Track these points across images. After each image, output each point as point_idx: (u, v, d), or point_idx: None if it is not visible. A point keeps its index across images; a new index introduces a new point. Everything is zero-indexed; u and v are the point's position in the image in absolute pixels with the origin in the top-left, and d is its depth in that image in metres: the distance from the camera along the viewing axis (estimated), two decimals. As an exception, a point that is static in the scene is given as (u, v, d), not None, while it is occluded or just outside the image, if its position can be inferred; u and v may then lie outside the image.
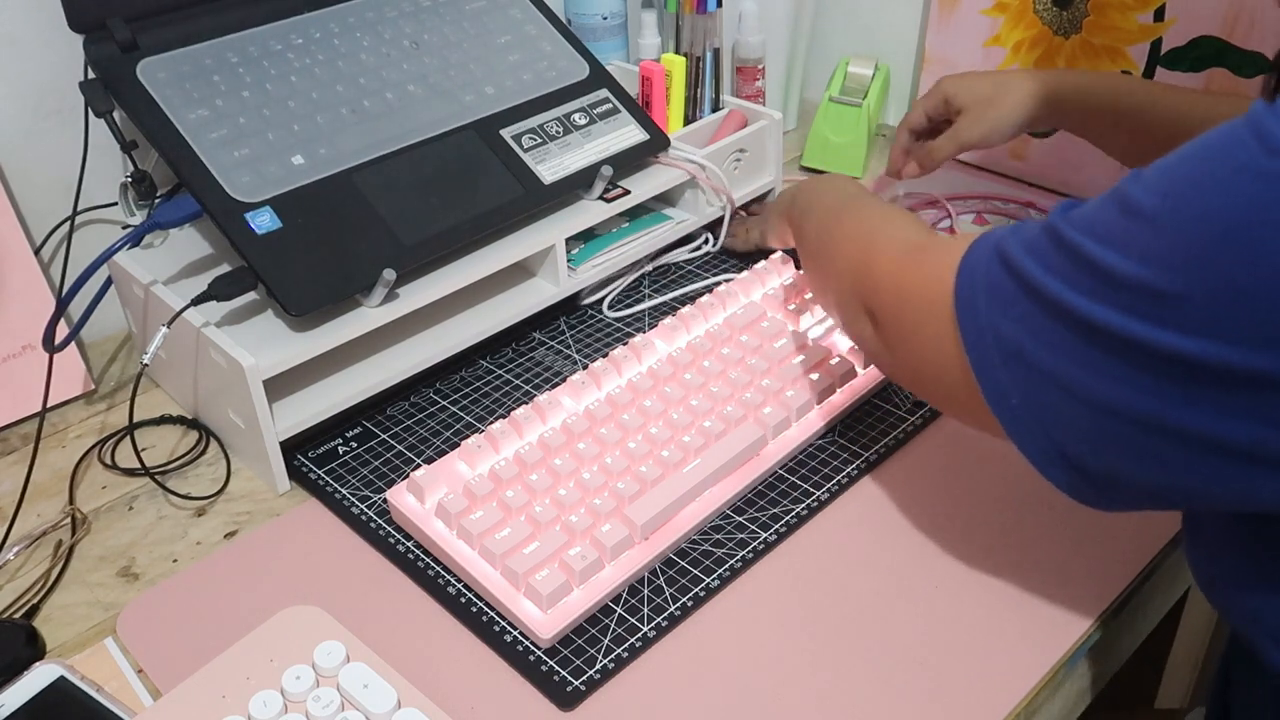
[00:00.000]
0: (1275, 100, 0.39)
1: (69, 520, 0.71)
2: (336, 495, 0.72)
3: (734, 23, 1.06)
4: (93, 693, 0.57)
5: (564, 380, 0.76)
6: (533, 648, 0.60)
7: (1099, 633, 0.61)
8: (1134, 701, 1.21)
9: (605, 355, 0.76)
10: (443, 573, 0.65)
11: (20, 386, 0.80)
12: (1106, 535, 0.65)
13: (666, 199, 0.94)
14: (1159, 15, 0.92)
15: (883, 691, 0.57)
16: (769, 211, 0.89)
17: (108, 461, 0.76)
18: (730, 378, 0.75)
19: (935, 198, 1.02)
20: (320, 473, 0.73)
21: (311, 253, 0.72)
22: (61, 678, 0.58)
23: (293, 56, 0.80)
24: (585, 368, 0.76)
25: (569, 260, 0.84)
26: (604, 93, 0.88)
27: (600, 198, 0.85)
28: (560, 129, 0.85)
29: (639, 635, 0.61)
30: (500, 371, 0.83)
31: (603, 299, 0.90)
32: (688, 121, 0.99)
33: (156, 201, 0.81)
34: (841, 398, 0.75)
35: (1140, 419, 0.43)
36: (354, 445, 0.76)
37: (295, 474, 0.73)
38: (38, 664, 0.59)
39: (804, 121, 1.18)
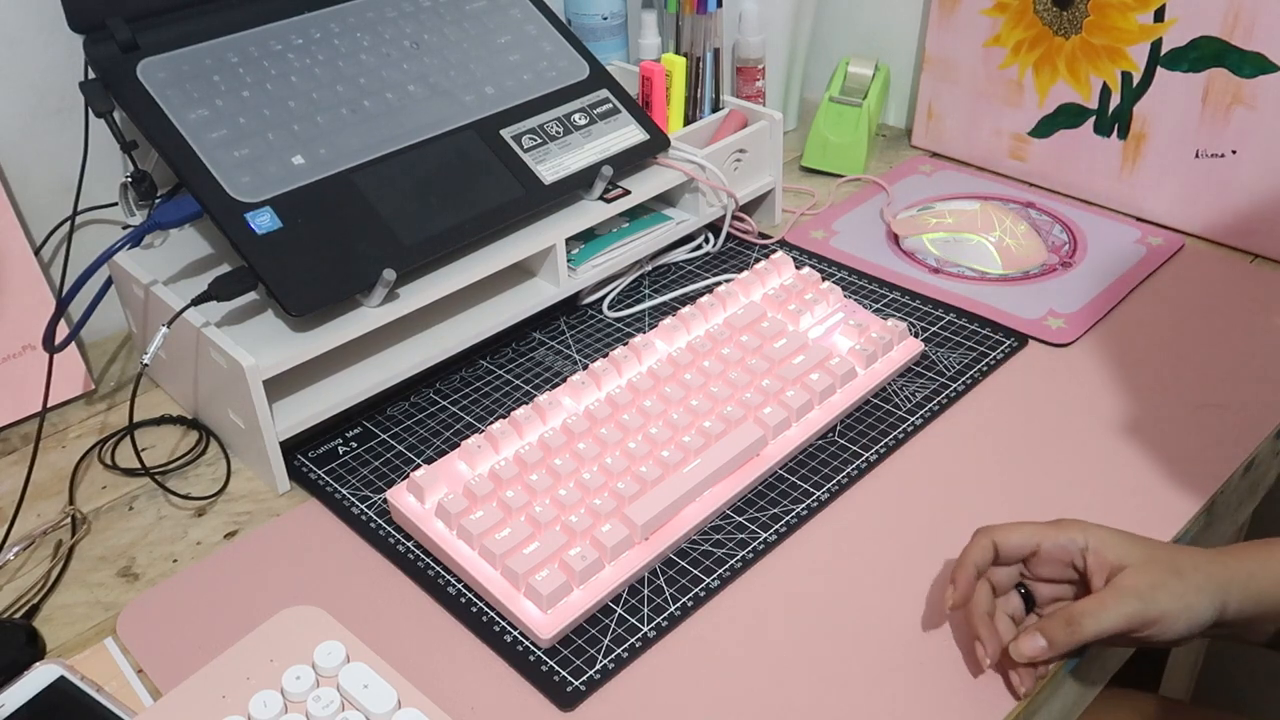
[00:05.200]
0: None
1: (69, 520, 0.71)
2: (336, 495, 0.72)
3: (734, 23, 1.06)
4: (93, 693, 0.57)
5: (564, 380, 0.76)
6: (533, 648, 0.60)
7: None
8: (1138, 690, 1.21)
9: (605, 355, 0.76)
10: (443, 573, 0.65)
11: (20, 386, 0.80)
12: (1106, 535, 0.65)
13: (667, 199, 0.94)
14: (1159, 15, 0.92)
15: (882, 691, 0.57)
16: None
17: (108, 461, 0.76)
18: (730, 378, 0.75)
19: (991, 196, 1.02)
20: (320, 473, 0.73)
21: (311, 253, 0.72)
22: (61, 678, 0.58)
23: (293, 56, 0.80)
24: (585, 368, 0.76)
25: (569, 260, 0.84)
26: (604, 93, 0.88)
27: (600, 198, 0.85)
28: (560, 129, 0.85)
29: (639, 635, 0.61)
30: (500, 371, 0.83)
31: (603, 299, 0.90)
32: (688, 122, 0.99)
33: (156, 201, 0.81)
34: (841, 398, 0.75)
35: None
36: (354, 445, 0.76)
37: (295, 474, 0.73)
38: (38, 664, 0.59)
39: (804, 121, 1.18)
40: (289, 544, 0.69)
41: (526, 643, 0.61)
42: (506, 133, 0.83)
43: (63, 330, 0.75)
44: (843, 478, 0.71)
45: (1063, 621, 0.55)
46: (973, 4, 1.04)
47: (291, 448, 0.74)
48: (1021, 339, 0.83)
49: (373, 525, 0.69)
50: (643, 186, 0.87)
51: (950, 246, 0.92)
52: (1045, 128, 1.03)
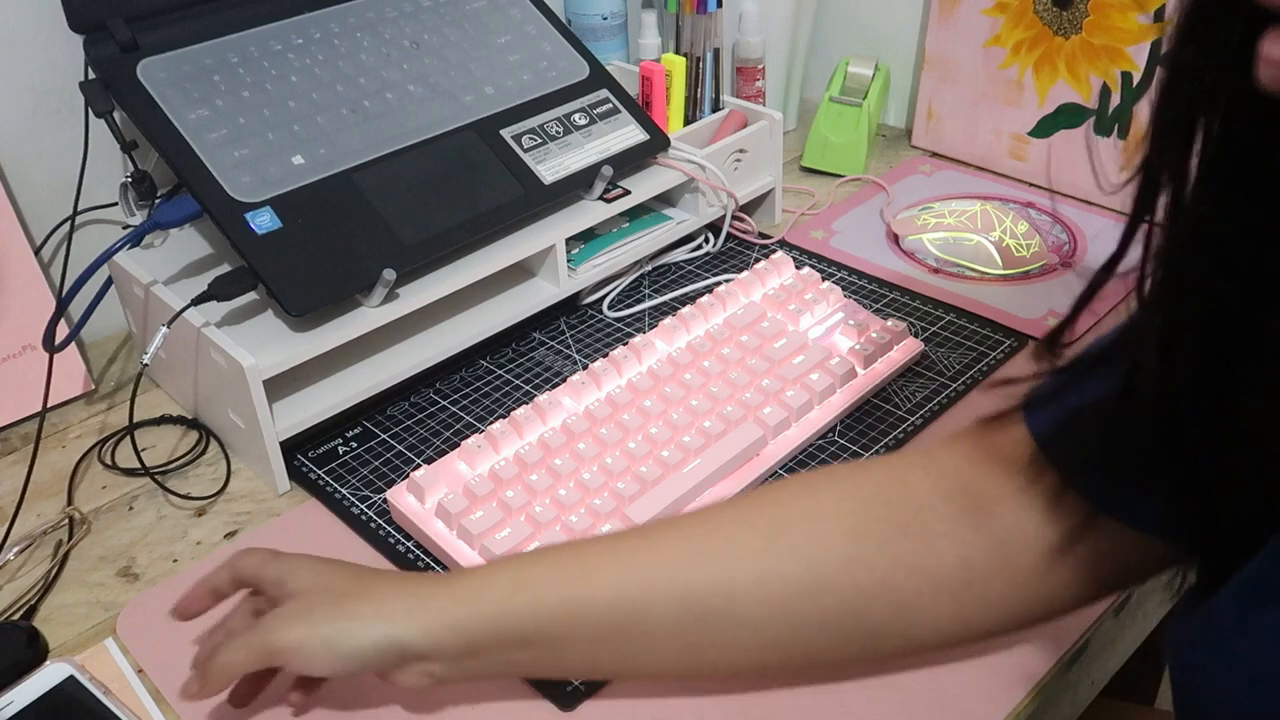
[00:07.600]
0: None
1: (69, 520, 0.71)
2: (336, 495, 0.72)
3: (734, 23, 1.06)
4: (99, 695, 0.57)
5: (564, 380, 0.76)
6: (533, 648, 0.60)
7: (1099, 633, 0.61)
8: (1134, 702, 1.21)
9: (605, 355, 0.76)
10: (443, 573, 0.65)
11: (20, 386, 0.80)
12: (1106, 535, 0.65)
13: (667, 199, 0.94)
14: (1159, 15, 0.92)
15: (882, 692, 0.57)
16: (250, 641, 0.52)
17: (108, 461, 0.76)
18: (730, 378, 0.75)
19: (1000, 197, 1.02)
20: (320, 473, 0.73)
21: (311, 253, 0.72)
22: (71, 678, 0.58)
23: (293, 56, 0.80)
24: (585, 368, 0.77)
25: (569, 260, 0.84)
26: (604, 93, 0.88)
27: (600, 198, 0.85)
28: (560, 129, 0.85)
29: (639, 635, 0.61)
30: (500, 371, 0.83)
31: (603, 299, 0.90)
32: (688, 122, 0.99)
33: (156, 201, 0.81)
34: (841, 398, 0.75)
35: None
36: (354, 445, 0.76)
37: (295, 474, 0.73)
38: (49, 662, 0.59)
39: (804, 121, 1.18)
40: (289, 544, 0.68)
41: (527, 643, 0.61)
42: (506, 133, 0.83)
43: (63, 330, 0.75)
44: (843, 478, 0.71)
45: (205, 659, 0.52)
46: (973, 4, 1.04)
47: (291, 448, 0.74)
48: (1021, 339, 0.83)
49: (373, 525, 0.69)
50: (643, 186, 0.87)
51: (950, 246, 0.92)
52: (1045, 128, 1.03)
